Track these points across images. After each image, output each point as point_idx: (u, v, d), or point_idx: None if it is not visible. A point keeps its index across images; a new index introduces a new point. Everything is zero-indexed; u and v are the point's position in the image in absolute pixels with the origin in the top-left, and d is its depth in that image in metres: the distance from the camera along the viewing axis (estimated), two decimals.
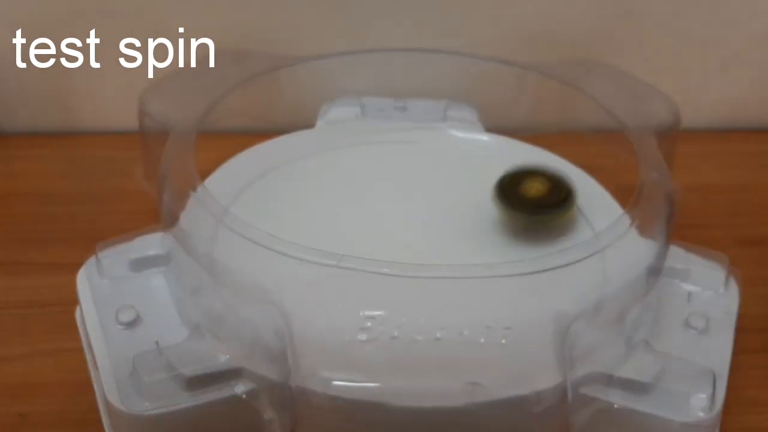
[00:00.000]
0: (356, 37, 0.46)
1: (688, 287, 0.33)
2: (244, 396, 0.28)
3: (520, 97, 0.42)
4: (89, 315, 0.31)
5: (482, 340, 0.27)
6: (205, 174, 0.36)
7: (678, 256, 0.33)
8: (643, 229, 0.30)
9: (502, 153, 0.40)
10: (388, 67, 0.42)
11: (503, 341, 0.27)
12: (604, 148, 0.38)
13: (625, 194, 0.36)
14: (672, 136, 0.37)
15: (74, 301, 0.33)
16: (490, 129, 0.42)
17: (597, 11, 0.45)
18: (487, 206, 0.37)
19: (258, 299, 0.28)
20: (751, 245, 0.40)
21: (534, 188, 0.33)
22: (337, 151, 0.40)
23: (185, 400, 0.28)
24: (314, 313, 0.28)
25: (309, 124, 0.42)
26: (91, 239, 0.33)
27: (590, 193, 0.37)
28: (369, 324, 0.27)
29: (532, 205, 0.33)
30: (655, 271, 0.31)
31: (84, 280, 0.32)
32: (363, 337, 0.27)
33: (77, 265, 0.32)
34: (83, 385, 0.31)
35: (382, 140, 0.40)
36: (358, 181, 0.38)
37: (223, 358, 0.28)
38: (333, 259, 0.28)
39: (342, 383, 0.26)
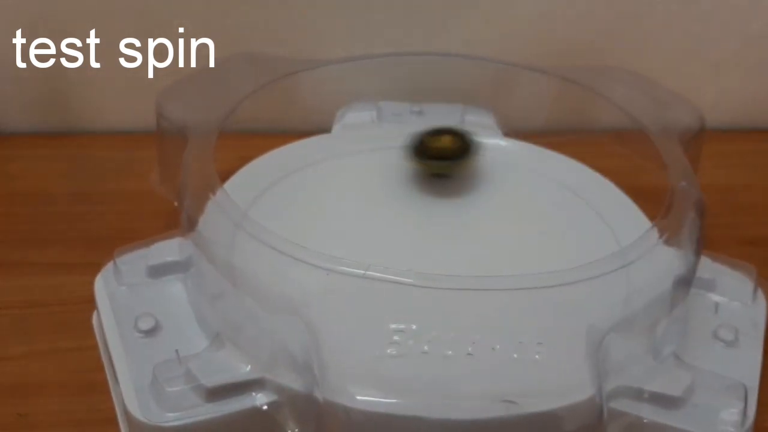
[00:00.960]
0: (361, 41, 0.45)
1: (715, 298, 0.33)
2: (266, 407, 0.28)
3: (539, 102, 0.42)
4: (108, 322, 0.30)
5: (515, 356, 0.26)
6: (222, 178, 0.35)
7: (704, 266, 0.33)
8: (673, 241, 0.30)
9: (520, 158, 0.39)
10: (404, 71, 0.41)
11: (537, 357, 0.26)
12: (621, 152, 0.37)
13: (644, 197, 0.35)
14: (697, 142, 0.37)
15: (74, 300, 0.32)
16: (508, 134, 0.41)
17: (597, 13, 0.45)
18: (506, 213, 0.36)
19: (281, 308, 0.28)
20: (752, 245, 0.40)
21: (441, 141, 0.37)
22: (353, 156, 0.39)
23: (206, 412, 0.27)
24: (340, 325, 0.27)
25: (325, 128, 0.41)
26: (91, 239, 0.32)
27: (611, 200, 0.36)
28: (397, 338, 0.27)
29: (438, 156, 0.36)
30: (685, 282, 0.30)
31: (101, 286, 0.32)
32: (392, 351, 0.26)
33: (77, 265, 0.32)
34: (83, 385, 0.31)
35: (398, 145, 0.40)
36: (375, 186, 0.37)
37: (244, 368, 0.28)
38: (359, 268, 0.27)
39: (371, 399, 0.25)
